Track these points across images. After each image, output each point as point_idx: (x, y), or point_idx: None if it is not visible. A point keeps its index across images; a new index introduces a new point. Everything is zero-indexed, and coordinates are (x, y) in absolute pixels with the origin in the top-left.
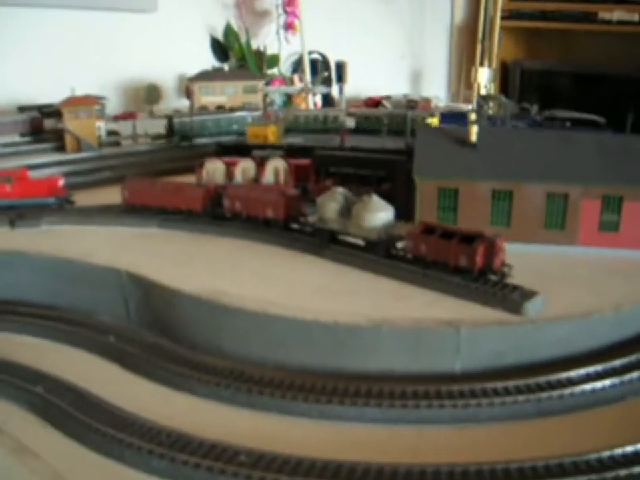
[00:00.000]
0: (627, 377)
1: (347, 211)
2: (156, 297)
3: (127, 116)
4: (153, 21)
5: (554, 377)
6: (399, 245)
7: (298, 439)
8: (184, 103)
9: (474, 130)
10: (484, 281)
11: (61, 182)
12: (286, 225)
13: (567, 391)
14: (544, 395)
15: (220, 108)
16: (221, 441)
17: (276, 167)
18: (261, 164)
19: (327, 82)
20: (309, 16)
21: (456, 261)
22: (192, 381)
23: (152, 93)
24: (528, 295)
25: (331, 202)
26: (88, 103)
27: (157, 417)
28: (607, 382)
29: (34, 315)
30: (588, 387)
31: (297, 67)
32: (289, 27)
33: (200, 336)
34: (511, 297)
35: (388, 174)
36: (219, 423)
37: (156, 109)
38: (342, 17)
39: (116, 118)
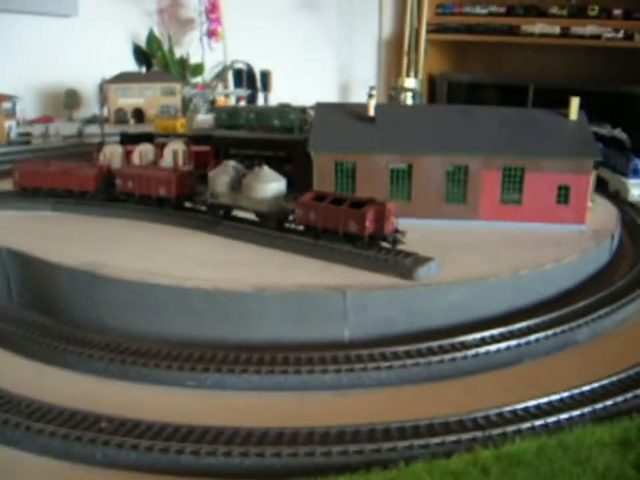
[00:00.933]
0: (524, 339)
1: (238, 184)
2: (37, 275)
3: (44, 120)
4: (73, 26)
5: (447, 342)
6: (291, 217)
7: (171, 407)
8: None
9: (372, 104)
10: (376, 248)
11: None
12: (179, 204)
13: (460, 354)
14: (435, 358)
15: (137, 111)
16: (82, 409)
17: (175, 149)
18: (160, 149)
19: (253, 91)
20: (234, 24)
21: (346, 227)
22: (65, 354)
23: (71, 98)
24: (421, 260)
25: (223, 175)
26: None
27: (27, 391)
28: (502, 345)
29: None
30: (482, 350)
31: (220, 76)
32: (212, 34)
33: (81, 312)
34: (402, 263)
35: (288, 155)
36: (89, 393)
37: (75, 114)
38: (269, 29)
39: (32, 122)
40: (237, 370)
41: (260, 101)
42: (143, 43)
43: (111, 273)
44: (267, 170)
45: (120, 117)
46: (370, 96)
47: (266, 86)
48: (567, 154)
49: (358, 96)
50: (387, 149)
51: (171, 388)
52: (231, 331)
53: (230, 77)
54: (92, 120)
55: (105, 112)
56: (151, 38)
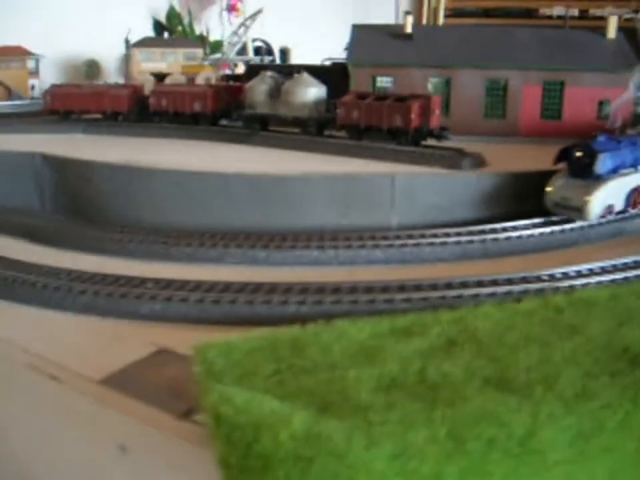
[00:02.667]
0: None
1: (276, 92)
2: (71, 177)
3: None
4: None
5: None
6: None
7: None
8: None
9: (409, 22)
10: (421, 143)
11: None
12: (215, 120)
13: (515, 233)
14: (489, 236)
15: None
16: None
17: (207, 77)
18: (192, 78)
19: None
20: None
21: (390, 122)
22: (103, 242)
23: (91, 68)
24: (468, 154)
25: (260, 84)
26: (20, 54)
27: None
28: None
29: None
30: (537, 231)
31: (241, 52)
32: (232, 9)
33: (118, 211)
34: (449, 155)
35: (325, 73)
36: (127, 272)
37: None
38: (286, 4)
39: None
40: (285, 246)
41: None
42: (162, 18)
43: (149, 165)
44: (306, 75)
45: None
46: (407, 13)
47: (272, 59)
48: (607, 68)
49: None
50: (425, 63)
51: (217, 265)
52: (275, 219)
53: (250, 51)
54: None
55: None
56: (171, 13)
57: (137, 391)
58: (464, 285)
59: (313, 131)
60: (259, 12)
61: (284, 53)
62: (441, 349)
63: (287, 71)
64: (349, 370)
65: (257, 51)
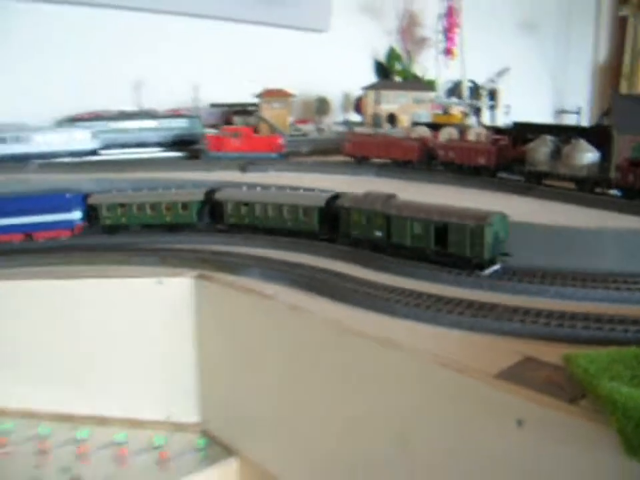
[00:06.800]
0: None
1: (556, 154)
2: None
3: (301, 122)
4: (323, 40)
5: None
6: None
7: None
8: (347, 117)
9: None
10: None
11: (281, 140)
12: (495, 173)
13: None
14: None
15: (391, 116)
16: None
17: (478, 132)
18: (462, 131)
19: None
20: (467, 43)
21: None
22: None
23: (322, 105)
24: None
25: (542, 146)
26: (282, 96)
27: None
28: None
29: None
30: None
31: (452, 92)
32: (447, 52)
33: None
34: None
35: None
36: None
37: (324, 119)
38: (495, 47)
39: (295, 123)
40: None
41: (486, 116)
42: (382, 58)
43: None
44: (583, 142)
45: (375, 120)
46: None
47: (494, 103)
48: None
49: (570, 119)
50: None
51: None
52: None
53: (465, 91)
54: (345, 123)
55: (360, 117)
56: (391, 54)
57: (523, 382)
58: None
59: (588, 188)
60: (505, 70)
61: (492, 93)
62: None
63: (558, 132)
64: None
65: (470, 91)
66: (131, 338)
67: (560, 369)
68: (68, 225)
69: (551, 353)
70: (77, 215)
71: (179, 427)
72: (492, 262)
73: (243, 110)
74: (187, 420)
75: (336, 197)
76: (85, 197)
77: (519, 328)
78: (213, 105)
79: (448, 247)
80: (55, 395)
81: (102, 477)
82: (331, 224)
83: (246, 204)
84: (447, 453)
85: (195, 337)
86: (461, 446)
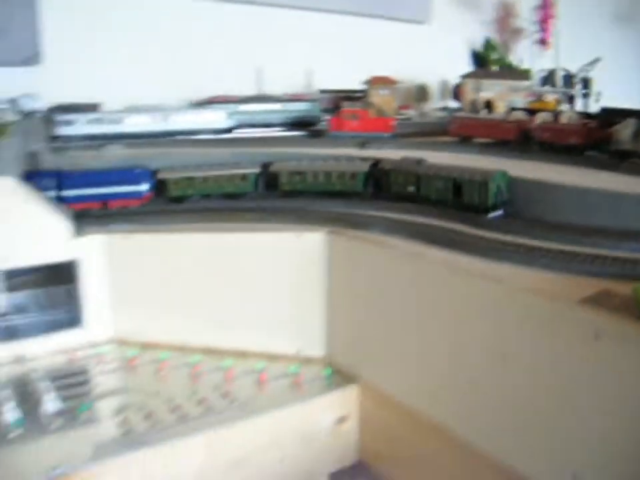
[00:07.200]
0: None
1: (638, 135)
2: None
3: (404, 107)
4: (421, 31)
5: None
6: None
7: None
8: (445, 104)
9: None
10: None
11: (393, 122)
12: (583, 151)
13: None
14: None
15: (487, 103)
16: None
17: (569, 116)
18: (556, 115)
19: (571, 97)
20: (562, 34)
21: None
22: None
23: (422, 92)
24: None
25: (626, 128)
26: (389, 82)
27: None
28: None
29: None
30: None
31: (546, 81)
32: (542, 42)
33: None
34: None
35: None
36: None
37: (423, 105)
38: (586, 37)
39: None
40: None
41: (579, 103)
42: (478, 48)
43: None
44: None
45: (472, 107)
46: None
47: (586, 91)
48: None
49: None
50: None
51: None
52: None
53: (559, 80)
54: (444, 109)
55: (458, 103)
56: (488, 44)
57: (601, 305)
58: None
59: None
60: (597, 60)
61: (586, 82)
62: None
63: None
64: None
65: (564, 80)
66: (269, 284)
67: (631, 298)
68: (137, 195)
69: (621, 288)
70: (144, 187)
71: (307, 360)
72: (494, 208)
73: (349, 96)
74: (314, 354)
75: (375, 164)
76: (154, 172)
77: (593, 268)
78: (322, 91)
79: (463, 197)
80: (204, 332)
81: (246, 395)
82: (373, 185)
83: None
84: (537, 368)
85: (324, 283)
86: (548, 364)
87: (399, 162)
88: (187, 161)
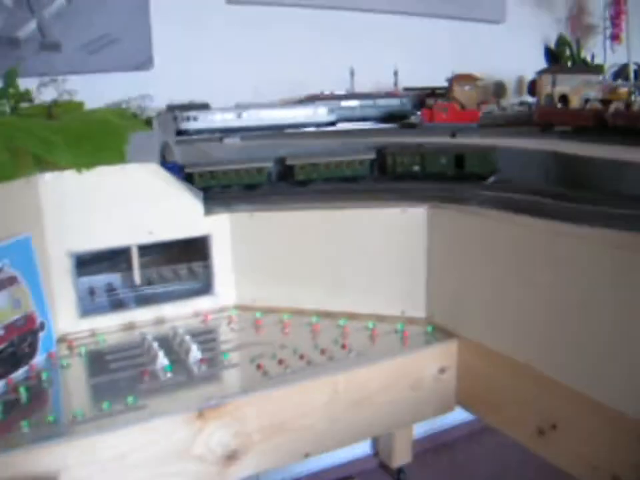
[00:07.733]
0: None
1: None
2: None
3: (483, 103)
4: (499, 30)
5: None
6: None
7: None
8: (521, 99)
9: None
10: None
11: (479, 114)
12: None
13: None
14: None
15: (562, 97)
16: None
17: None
18: (628, 105)
19: None
20: (633, 29)
21: None
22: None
23: (499, 88)
24: None
25: None
26: (472, 79)
27: None
28: None
29: None
30: None
31: (618, 75)
32: (614, 38)
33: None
34: None
35: None
36: None
37: (501, 101)
38: None
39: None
40: None
41: None
42: (552, 45)
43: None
44: None
45: (547, 101)
46: None
47: None
48: None
49: None
50: None
51: None
52: None
53: (631, 74)
54: (521, 103)
55: (534, 98)
56: (561, 41)
57: None
58: None
59: None
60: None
61: None
62: None
63: None
64: None
65: (634, 73)
66: (377, 254)
67: None
68: None
69: None
70: None
71: (410, 320)
72: (491, 174)
73: (432, 93)
74: (417, 315)
75: (380, 150)
76: (182, 167)
77: None
78: (406, 89)
79: (465, 168)
80: (319, 297)
81: (361, 347)
82: (378, 168)
83: None
84: (622, 318)
85: (426, 252)
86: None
87: (401, 145)
88: (301, 150)
